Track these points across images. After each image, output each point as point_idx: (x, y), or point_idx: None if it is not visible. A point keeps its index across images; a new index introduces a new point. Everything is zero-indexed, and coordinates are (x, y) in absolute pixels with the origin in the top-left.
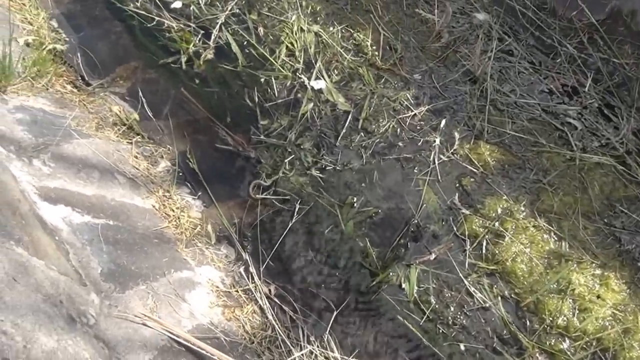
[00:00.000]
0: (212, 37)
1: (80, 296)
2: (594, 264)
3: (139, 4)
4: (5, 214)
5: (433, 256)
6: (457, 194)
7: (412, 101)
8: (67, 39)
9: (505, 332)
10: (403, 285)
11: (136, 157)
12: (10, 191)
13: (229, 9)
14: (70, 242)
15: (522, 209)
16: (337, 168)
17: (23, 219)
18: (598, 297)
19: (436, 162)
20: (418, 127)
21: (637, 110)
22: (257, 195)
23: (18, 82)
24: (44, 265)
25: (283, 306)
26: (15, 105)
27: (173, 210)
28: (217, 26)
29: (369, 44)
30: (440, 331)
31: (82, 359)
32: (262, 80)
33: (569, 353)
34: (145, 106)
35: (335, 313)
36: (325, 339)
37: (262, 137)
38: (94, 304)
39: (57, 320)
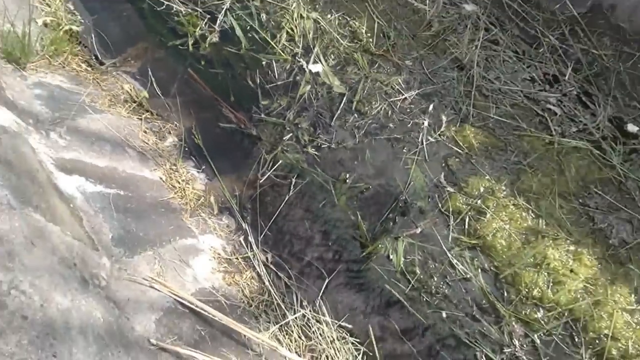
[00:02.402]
0: (218, 22)
1: (92, 260)
2: (568, 241)
3: None
4: (24, 183)
5: (419, 230)
6: (442, 173)
7: (403, 85)
8: (82, 20)
9: (484, 301)
10: (391, 257)
11: (145, 132)
12: (29, 162)
13: None
14: (84, 209)
15: (503, 188)
16: (332, 146)
17: (41, 187)
18: (571, 271)
19: (424, 143)
20: (408, 110)
21: (614, 99)
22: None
23: (37, 60)
24: (60, 231)
25: (279, 273)
26: (34, 81)
27: (179, 182)
28: (223, 11)
29: (364, 31)
30: (424, 299)
31: (94, 318)
32: (264, 62)
33: (542, 322)
34: (154, 85)
35: (327, 280)
36: (318, 304)
37: (262, 115)
38: (105, 267)
39: (71, 281)
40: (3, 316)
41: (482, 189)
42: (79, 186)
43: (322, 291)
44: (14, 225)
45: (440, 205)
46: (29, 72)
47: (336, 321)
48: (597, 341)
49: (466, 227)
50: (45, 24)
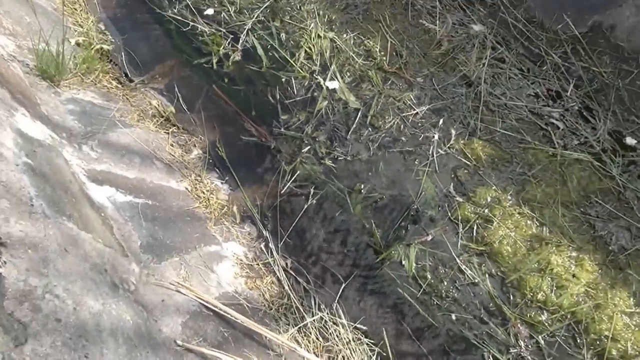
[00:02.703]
0: (240, 41)
1: (122, 266)
2: (570, 247)
3: (176, 10)
4: (58, 193)
5: (430, 237)
6: (452, 184)
7: (414, 101)
8: (112, 40)
9: (491, 304)
10: (403, 262)
11: (172, 145)
12: (63, 173)
13: (255, 16)
14: (114, 218)
15: (509, 198)
16: (348, 159)
17: (73, 197)
18: (573, 276)
19: (434, 155)
20: (419, 124)
21: (613, 113)
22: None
23: (70, 78)
24: (92, 238)
25: (298, 278)
26: (67, 97)
27: (204, 193)
28: (245, 31)
29: (377, 49)
30: (435, 303)
31: (124, 320)
32: (283, 80)
33: (546, 324)
34: (181, 101)
35: (343, 285)
36: (334, 308)
37: (282, 129)
38: (134, 272)
39: (102, 286)
40: (38, 319)
41: (489, 199)
42: (110, 196)
43: (338, 295)
44: (48, 233)
45: (449, 214)
46: (62, 89)
47: (352, 323)
48: (598, 342)
49: (474, 234)
50: (78, 44)
